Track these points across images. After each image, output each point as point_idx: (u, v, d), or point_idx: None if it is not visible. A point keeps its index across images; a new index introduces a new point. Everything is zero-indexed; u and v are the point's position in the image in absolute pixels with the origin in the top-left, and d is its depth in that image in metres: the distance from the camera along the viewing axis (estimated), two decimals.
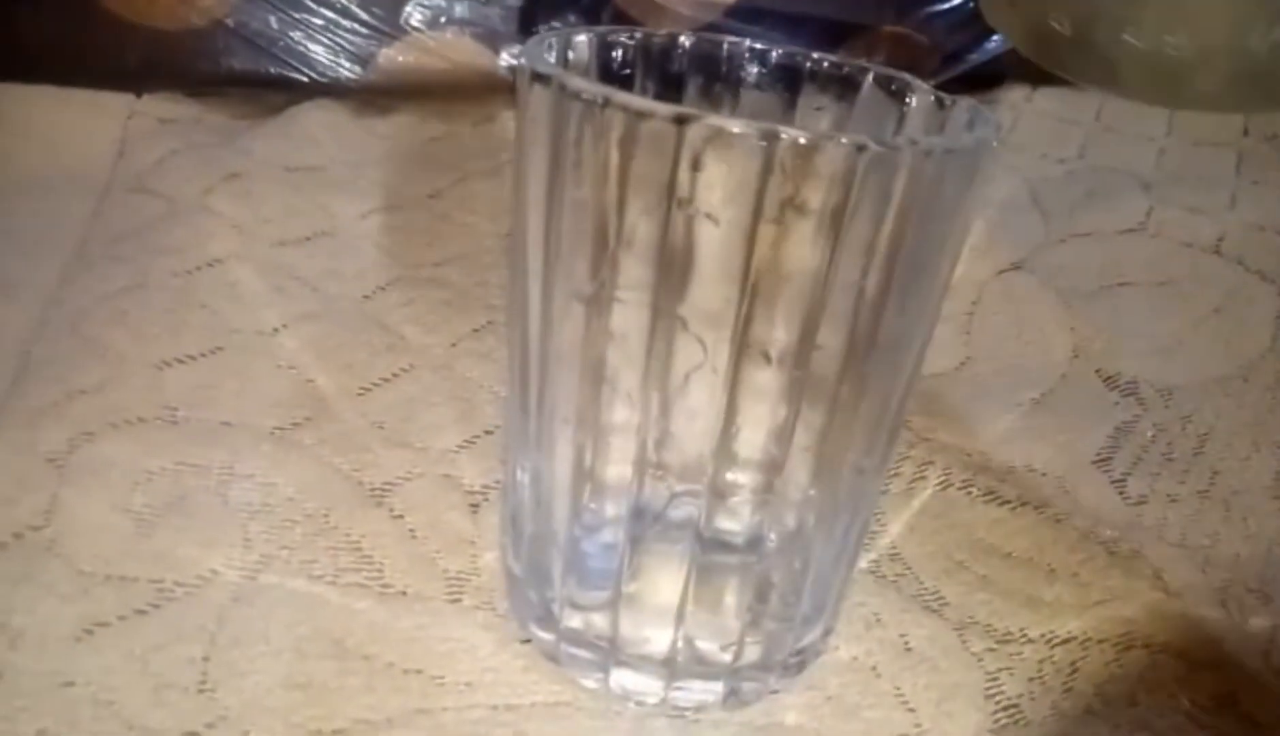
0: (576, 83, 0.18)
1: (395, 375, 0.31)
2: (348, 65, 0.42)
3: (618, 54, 0.23)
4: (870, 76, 0.23)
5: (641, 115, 0.17)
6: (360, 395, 0.30)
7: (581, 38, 0.22)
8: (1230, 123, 0.49)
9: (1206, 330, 0.38)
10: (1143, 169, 0.46)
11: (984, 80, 0.49)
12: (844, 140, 0.17)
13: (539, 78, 0.19)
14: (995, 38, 0.48)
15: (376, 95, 0.44)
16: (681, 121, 0.17)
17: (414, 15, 0.42)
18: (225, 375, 0.30)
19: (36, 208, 0.35)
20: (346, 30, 0.42)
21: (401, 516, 0.27)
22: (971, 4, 0.47)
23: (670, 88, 0.23)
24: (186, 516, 0.25)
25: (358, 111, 0.43)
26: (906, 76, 0.22)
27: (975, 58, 0.48)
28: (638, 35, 0.23)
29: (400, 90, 0.44)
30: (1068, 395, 0.35)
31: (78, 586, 0.23)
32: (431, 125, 0.44)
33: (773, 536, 0.22)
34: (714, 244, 0.19)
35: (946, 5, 0.47)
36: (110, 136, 0.39)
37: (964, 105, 0.21)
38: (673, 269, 0.18)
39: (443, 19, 0.42)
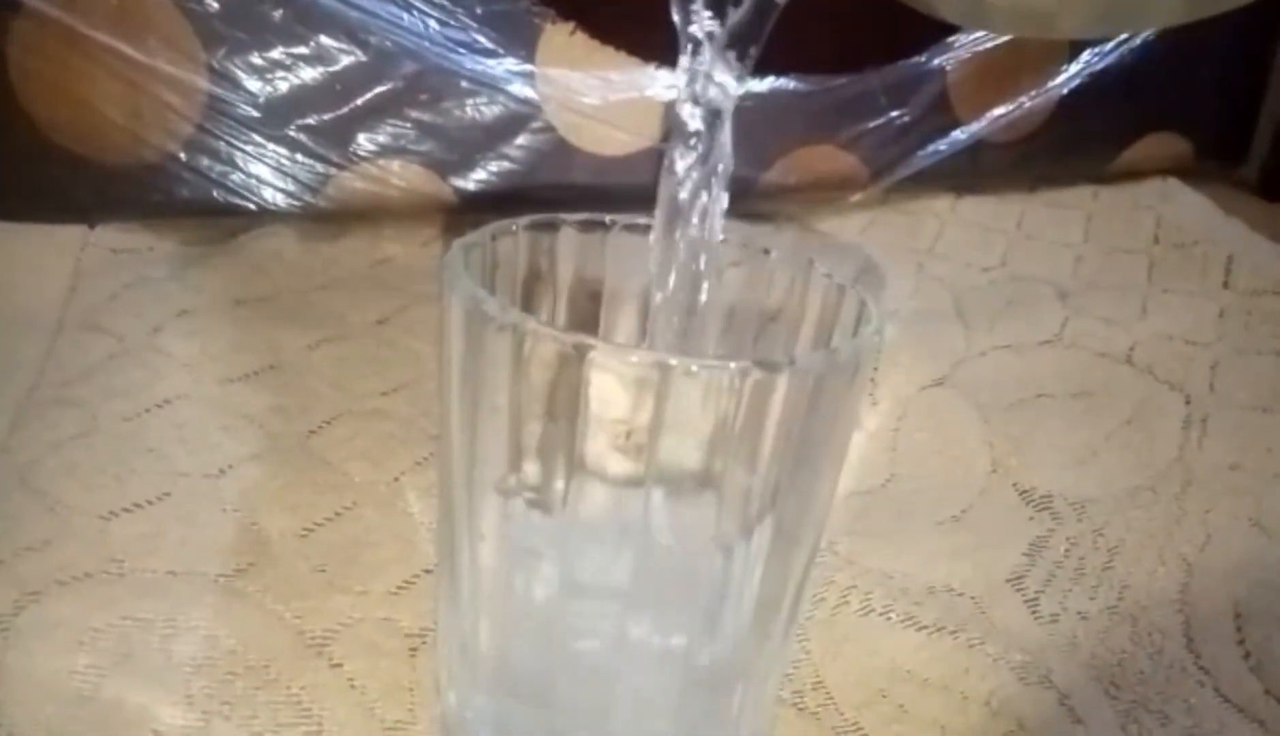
0: (489, 306, 0.19)
1: (337, 514, 0.32)
2: (297, 193, 0.44)
3: (546, 243, 0.25)
4: (773, 255, 0.25)
5: (545, 340, 0.19)
6: (303, 537, 0.31)
7: (513, 229, 0.24)
8: (1142, 230, 0.52)
9: (1118, 441, 0.40)
10: (1060, 277, 0.49)
11: (909, 189, 0.52)
12: (731, 365, 0.19)
13: (456, 290, 0.20)
14: (921, 153, 0.50)
15: (325, 220, 0.45)
16: (581, 350, 0.18)
17: (363, 145, 0.44)
18: (171, 522, 0.30)
19: None
20: (297, 161, 0.43)
21: (340, 665, 0.27)
22: (897, 121, 0.50)
23: (594, 272, 0.25)
24: (131, 674, 0.26)
25: (306, 236, 0.44)
26: (809, 259, 0.24)
27: (901, 172, 0.51)
28: (567, 222, 0.25)
29: (348, 214, 0.45)
30: (986, 511, 0.37)
31: None
32: (379, 248, 0.46)
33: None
34: (612, 453, 0.20)
35: (874, 123, 0.49)
36: (63, 270, 0.40)
37: (854, 300, 0.22)
38: (574, 473, 0.20)
39: (390, 149, 0.44)
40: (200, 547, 0.30)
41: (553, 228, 0.25)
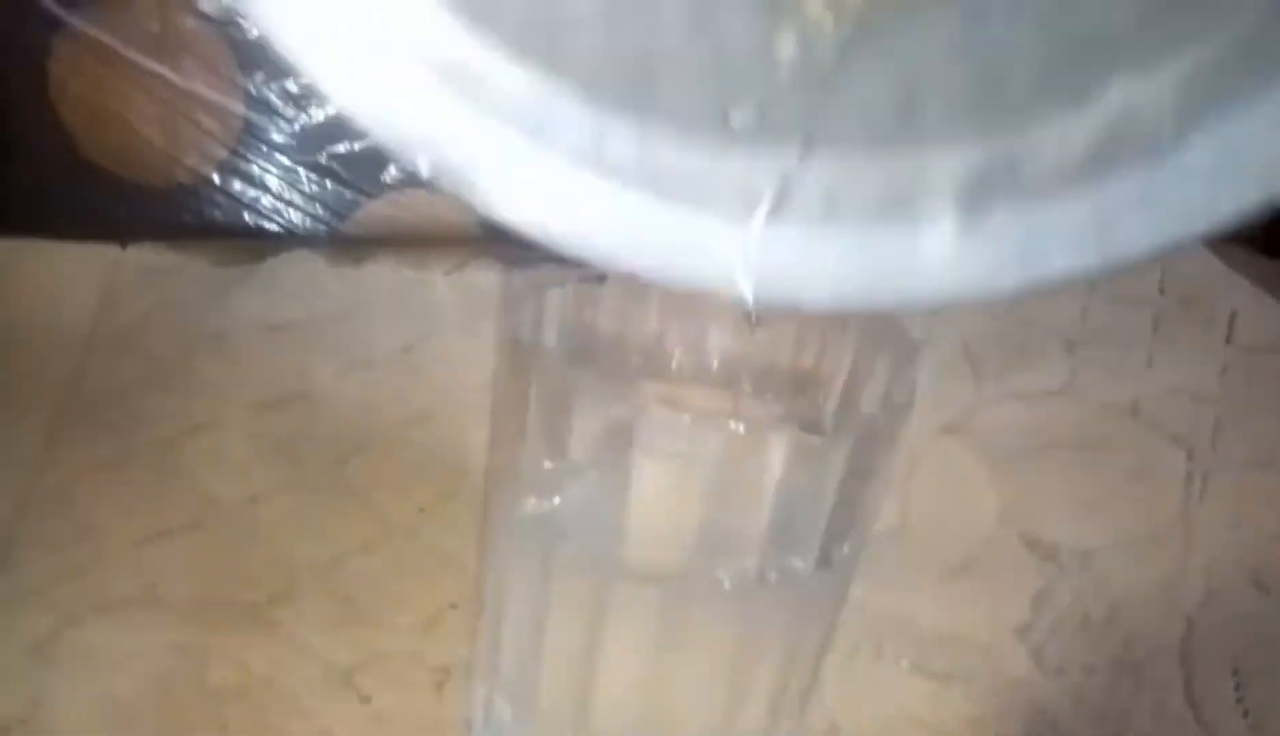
0: (550, 358, 0.20)
1: (365, 545, 0.33)
2: (326, 218, 0.45)
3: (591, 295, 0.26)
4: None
5: (602, 399, 0.20)
6: (331, 567, 0.32)
7: (558, 290, 0.25)
8: (1147, 282, 0.53)
9: (1123, 493, 0.41)
10: (1067, 326, 0.50)
11: None
12: (773, 426, 0.20)
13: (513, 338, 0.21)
14: None
15: (352, 245, 0.46)
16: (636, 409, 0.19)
17: (391, 174, 0.44)
18: (205, 549, 0.31)
19: (21, 365, 0.37)
20: (327, 188, 0.44)
21: (369, 698, 0.28)
22: None
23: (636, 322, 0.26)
24: (166, 701, 0.27)
25: (334, 260, 0.45)
26: (843, 320, 0.25)
27: None
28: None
29: (376, 239, 0.46)
30: (993, 560, 0.38)
31: None
32: (404, 274, 0.46)
33: None
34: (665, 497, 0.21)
35: None
36: (95, 289, 0.41)
37: (886, 363, 0.23)
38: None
39: (417, 179, 0.44)
40: (233, 575, 0.31)
41: (599, 280, 0.26)
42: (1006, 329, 0.51)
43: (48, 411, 0.35)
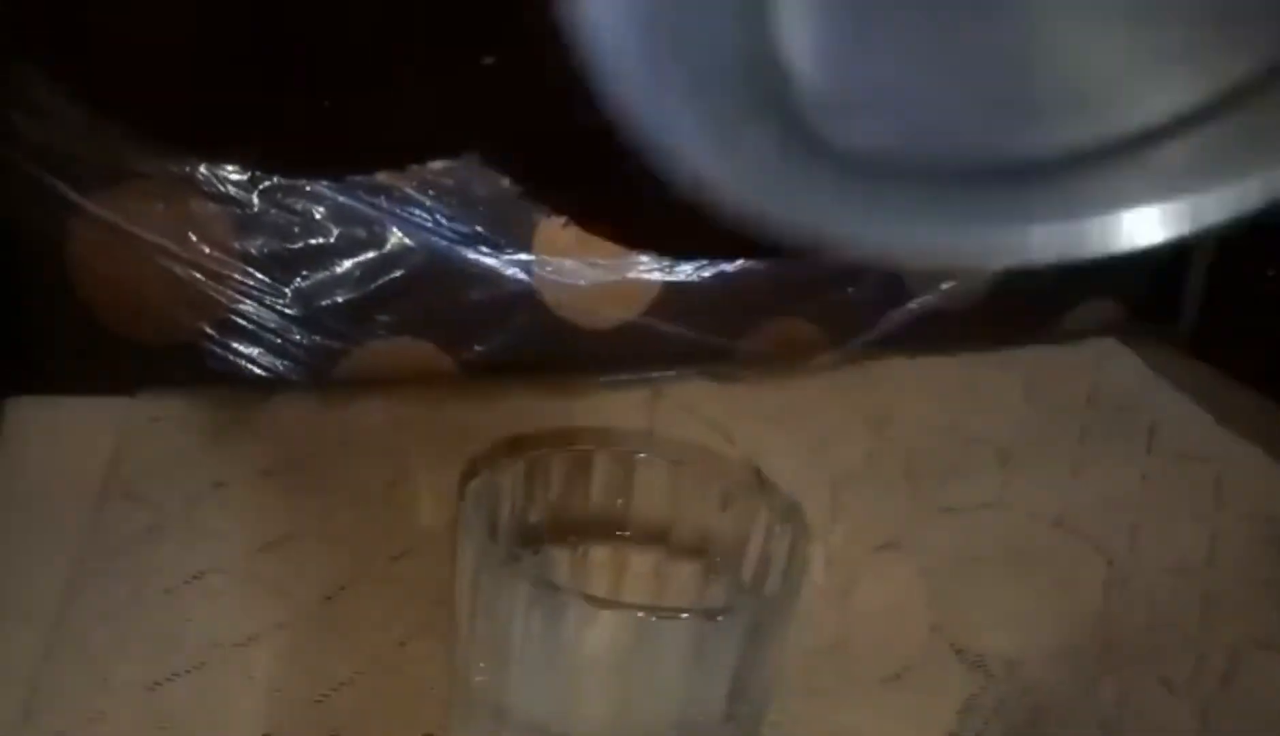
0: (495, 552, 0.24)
1: (350, 679, 0.37)
2: (317, 365, 0.49)
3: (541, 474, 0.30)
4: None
5: (539, 588, 0.24)
6: (319, 702, 0.36)
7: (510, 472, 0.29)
8: (1078, 391, 0.58)
9: (1048, 602, 0.45)
10: (1002, 438, 0.54)
11: (869, 351, 0.57)
12: (685, 617, 0.24)
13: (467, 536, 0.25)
14: (877, 323, 0.56)
15: (342, 384, 0.51)
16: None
17: (378, 323, 0.49)
18: (208, 690, 0.35)
19: (39, 518, 0.41)
20: (316, 340, 0.49)
21: None
22: (855, 296, 0.55)
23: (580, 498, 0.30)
24: None
25: (325, 403, 0.50)
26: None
27: (860, 339, 0.56)
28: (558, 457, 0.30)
29: (363, 380, 0.51)
30: (925, 670, 0.41)
31: None
32: (390, 412, 0.51)
33: None
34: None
35: (834, 297, 0.55)
36: (108, 440, 0.45)
37: (786, 538, 0.27)
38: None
39: (402, 327, 0.49)
40: (232, 714, 0.34)
41: (548, 460, 0.30)
42: (945, 443, 0.55)
43: (66, 564, 0.39)
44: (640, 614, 0.23)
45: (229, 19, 0.44)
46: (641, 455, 0.31)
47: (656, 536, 0.30)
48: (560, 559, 0.29)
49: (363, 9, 0.45)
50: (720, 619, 0.24)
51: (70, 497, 0.43)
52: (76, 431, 0.45)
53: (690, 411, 0.54)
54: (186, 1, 0.44)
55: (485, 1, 0.45)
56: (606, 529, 0.30)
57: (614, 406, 0.54)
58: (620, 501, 0.30)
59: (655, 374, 0.54)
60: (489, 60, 0.47)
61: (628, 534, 0.31)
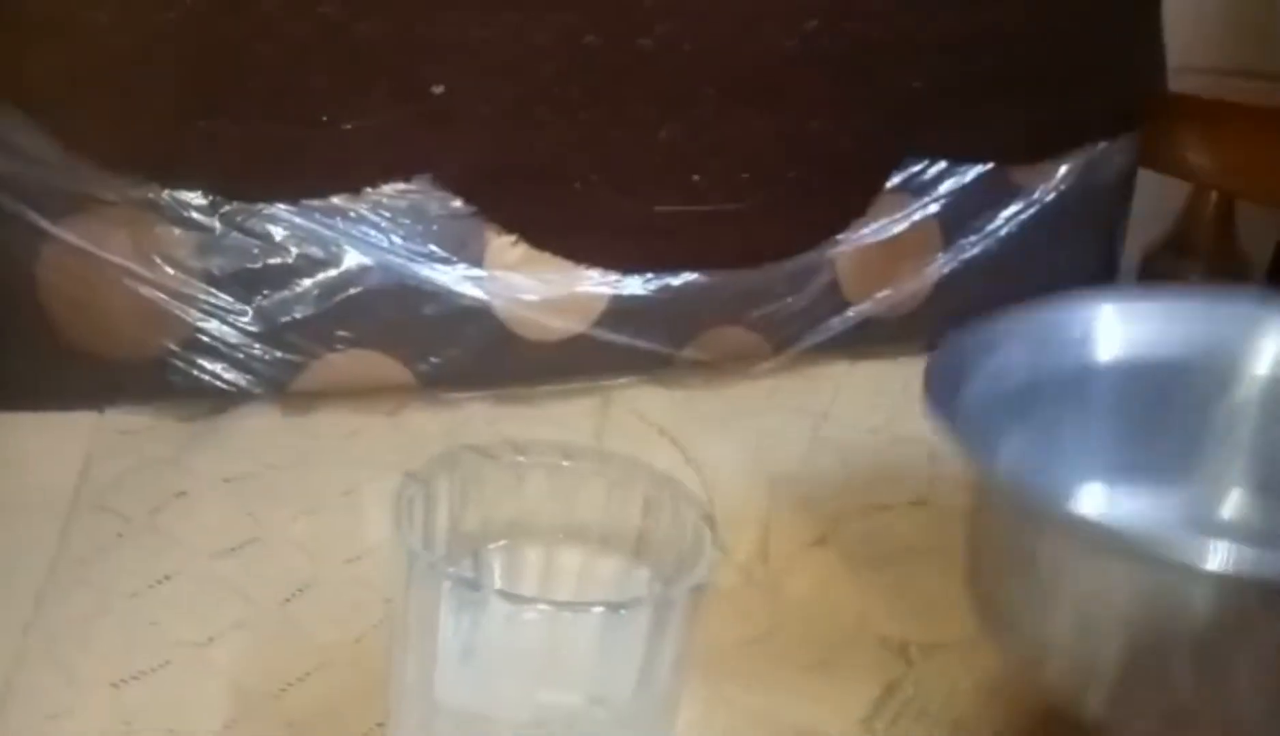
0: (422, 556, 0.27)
1: (306, 675, 0.39)
2: (278, 378, 0.52)
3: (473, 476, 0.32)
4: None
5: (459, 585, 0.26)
6: (277, 696, 0.38)
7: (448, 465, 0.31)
8: None
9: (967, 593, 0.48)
10: (933, 437, 0.57)
11: (810, 356, 0.60)
12: (594, 609, 0.26)
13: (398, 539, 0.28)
14: (816, 330, 0.59)
15: (302, 395, 0.53)
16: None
17: (337, 337, 0.52)
18: (171, 687, 0.37)
19: (11, 530, 0.44)
20: (277, 356, 0.51)
21: None
22: (794, 305, 0.58)
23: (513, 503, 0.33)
24: None
25: (286, 412, 0.52)
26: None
27: (799, 346, 0.59)
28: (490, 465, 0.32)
29: (322, 393, 0.53)
30: (850, 657, 0.44)
31: None
32: (347, 421, 0.53)
33: None
34: None
35: (774, 306, 0.58)
36: (77, 453, 0.48)
37: (696, 538, 0.30)
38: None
39: (360, 341, 0.52)
40: (193, 708, 0.37)
41: (480, 469, 0.33)
42: (880, 442, 0.58)
43: (38, 573, 0.41)
44: (546, 607, 0.26)
45: (192, 55, 0.47)
46: (569, 463, 0.33)
47: (583, 537, 0.32)
48: (494, 559, 0.32)
49: (319, 44, 0.48)
50: (623, 612, 0.27)
51: (42, 510, 0.45)
52: (47, 446, 0.48)
53: (638, 417, 0.57)
54: (150, 39, 0.46)
55: (435, 36, 0.48)
56: (538, 531, 0.33)
57: (565, 413, 0.57)
58: (551, 505, 0.33)
59: (604, 382, 0.57)
60: (438, 89, 0.50)
61: (559, 536, 0.33)
